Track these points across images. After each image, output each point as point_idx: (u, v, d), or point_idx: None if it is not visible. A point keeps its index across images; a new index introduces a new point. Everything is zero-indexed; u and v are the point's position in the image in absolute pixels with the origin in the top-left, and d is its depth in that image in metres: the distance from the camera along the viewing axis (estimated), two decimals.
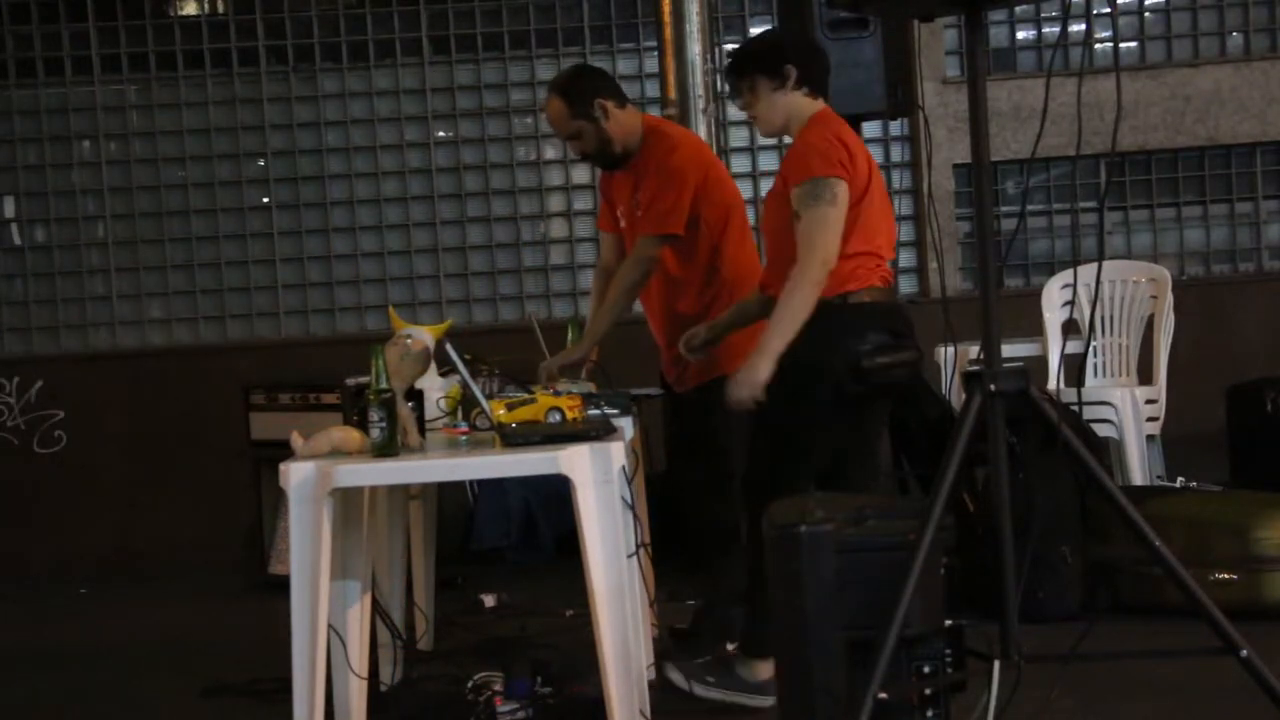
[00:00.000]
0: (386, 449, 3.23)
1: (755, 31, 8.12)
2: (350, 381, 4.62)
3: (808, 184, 3.79)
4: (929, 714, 3.07)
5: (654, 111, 6.69)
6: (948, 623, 3.11)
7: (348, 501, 3.51)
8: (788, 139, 4.06)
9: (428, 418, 3.56)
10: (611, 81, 4.79)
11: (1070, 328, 6.25)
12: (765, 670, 3.99)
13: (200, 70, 7.95)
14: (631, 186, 4.66)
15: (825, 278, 3.76)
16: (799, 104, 3.99)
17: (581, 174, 7.82)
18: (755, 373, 3.73)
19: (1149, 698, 3.86)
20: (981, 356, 3.24)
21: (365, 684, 3.69)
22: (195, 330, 8.00)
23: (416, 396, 3.51)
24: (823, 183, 3.77)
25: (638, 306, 4.80)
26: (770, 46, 4.11)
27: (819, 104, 4.03)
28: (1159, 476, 6.04)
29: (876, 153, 8.00)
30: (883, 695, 2.92)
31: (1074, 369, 4.80)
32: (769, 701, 3.93)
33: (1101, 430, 5.80)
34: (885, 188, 4.05)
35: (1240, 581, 4.64)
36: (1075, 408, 4.31)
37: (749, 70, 4.03)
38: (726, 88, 4.07)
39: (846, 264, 3.85)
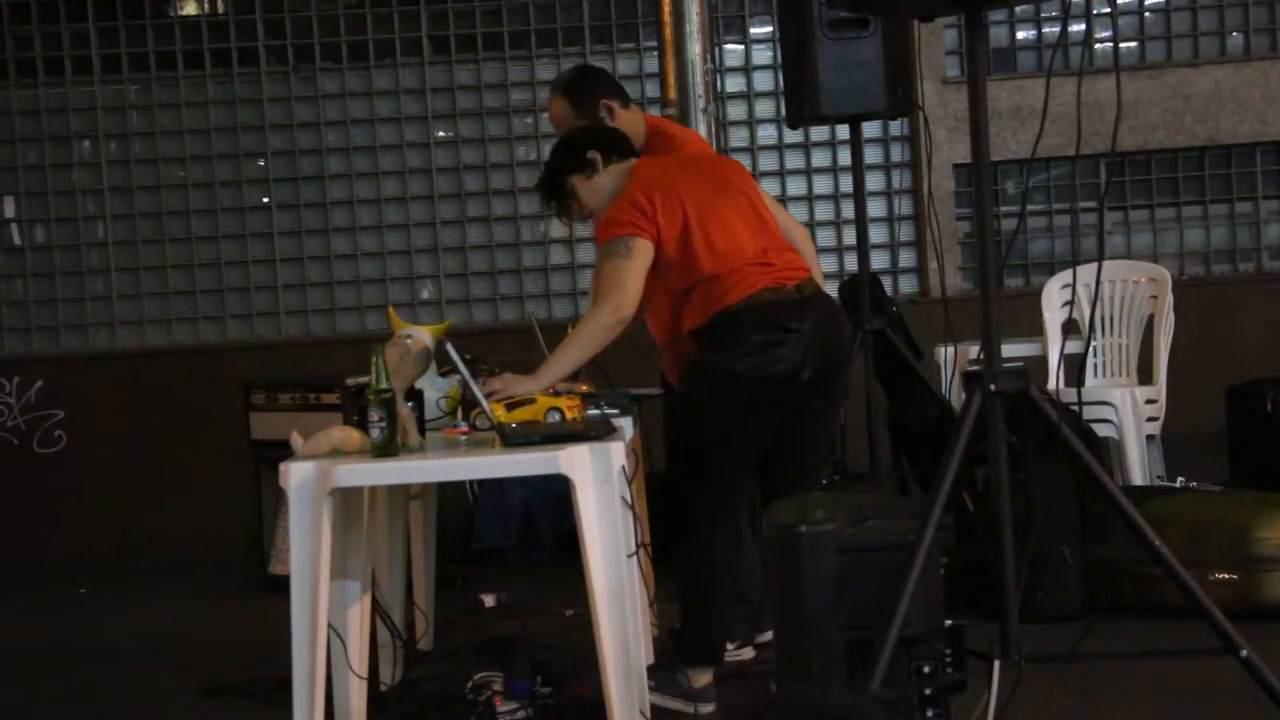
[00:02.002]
0: (386, 449, 3.22)
1: (755, 31, 8.14)
2: (350, 381, 4.62)
3: (606, 245, 3.99)
4: (929, 714, 3.07)
5: (654, 111, 6.69)
6: (948, 623, 3.11)
7: (348, 501, 3.51)
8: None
9: (428, 418, 3.56)
10: (614, 82, 4.79)
11: (1070, 328, 6.25)
12: (702, 678, 4.04)
13: (200, 70, 7.96)
14: None
15: (617, 324, 3.91)
16: (615, 176, 4.15)
17: None
18: (516, 386, 3.74)
19: (1149, 698, 3.85)
20: (981, 356, 3.24)
21: (365, 684, 3.69)
22: (195, 330, 8.00)
23: (416, 396, 3.50)
24: (617, 241, 3.95)
25: None
26: (566, 148, 4.27)
27: (630, 162, 4.20)
28: (1159, 476, 6.03)
29: (876, 153, 8.01)
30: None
31: (1074, 369, 4.79)
32: (707, 708, 3.99)
33: (1101, 430, 5.79)
34: (747, 193, 4.14)
35: (1240, 581, 4.63)
36: (1075, 408, 4.30)
37: (562, 178, 4.22)
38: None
39: (714, 286, 3.97)
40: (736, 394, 3.94)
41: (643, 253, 3.94)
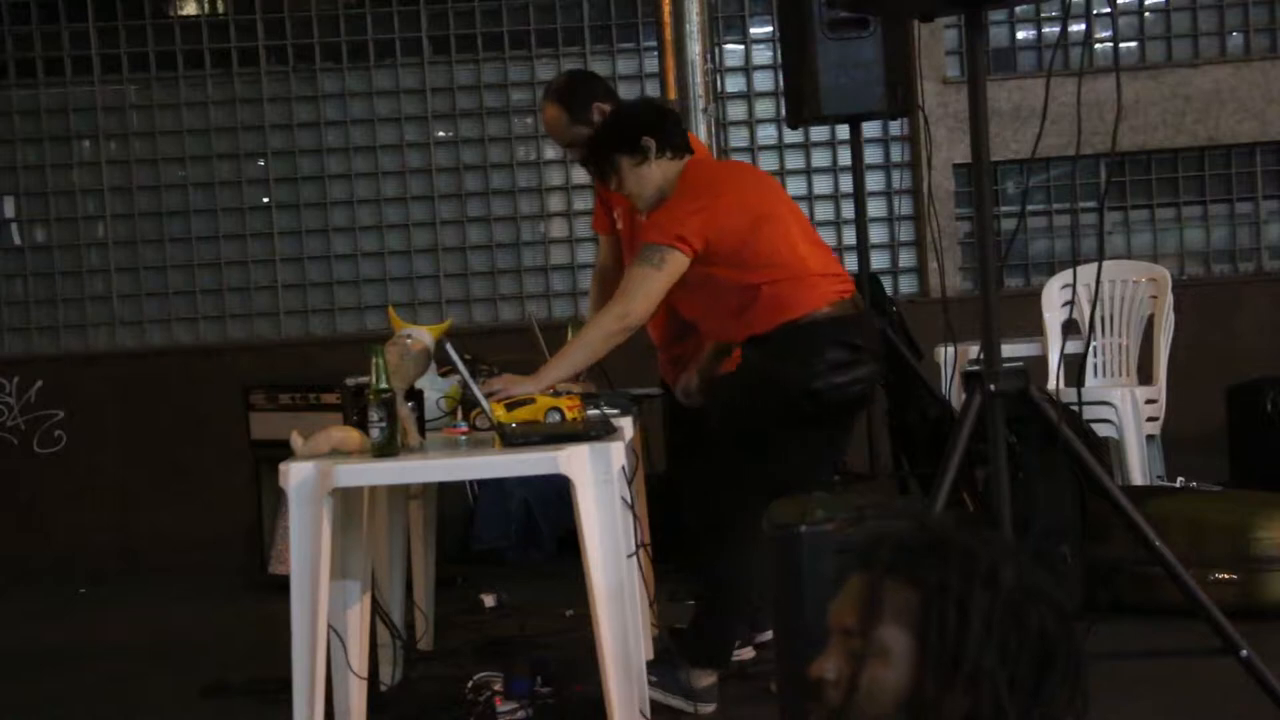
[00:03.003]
0: (386, 449, 3.22)
1: (755, 31, 8.14)
2: (350, 381, 4.61)
3: (645, 248, 3.92)
4: None
5: None
6: None
7: (348, 501, 3.51)
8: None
9: (428, 418, 3.56)
10: (607, 85, 4.79)
11: (1070, 328, 6.25)
12: (706, 679, 4.03)
13: (200, 70, 7.96)
14: None
15: (622, 332, 3.89)
16: (666, 170, 4.06)
17: (581, 174, 7.79)
18: (516, 387, 3.71)
19: (1149, 698, 3.85)
20: (981, 356, 3.24)
21: (365, 684, 3.69)
22: (195, 330, 8.00)
23: (416, 396, 3.50)
24: (655, 248, 3.89)
25: None
26: (624, 123, 4.15)
27: (683, 161, 4.09)
28: (1159, 476, 6.03)
29: (876, 153, 8.01)
30: None
31: (1074, 369, 4.79)
32: (707, 709, 3.99)
33: (1101, 430, 5.79)
34: (794, 209, 4.14)
35: (1240, 581, 4.63)
36: (1075, 408, 4.30)
37: (608, 151, 4.10)
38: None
39: (781, 290, 3.91)
40: (805, 410, 3.87)
41: (674, 267, 3.88)
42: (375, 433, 3.23)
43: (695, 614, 4.17)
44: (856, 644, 1.60)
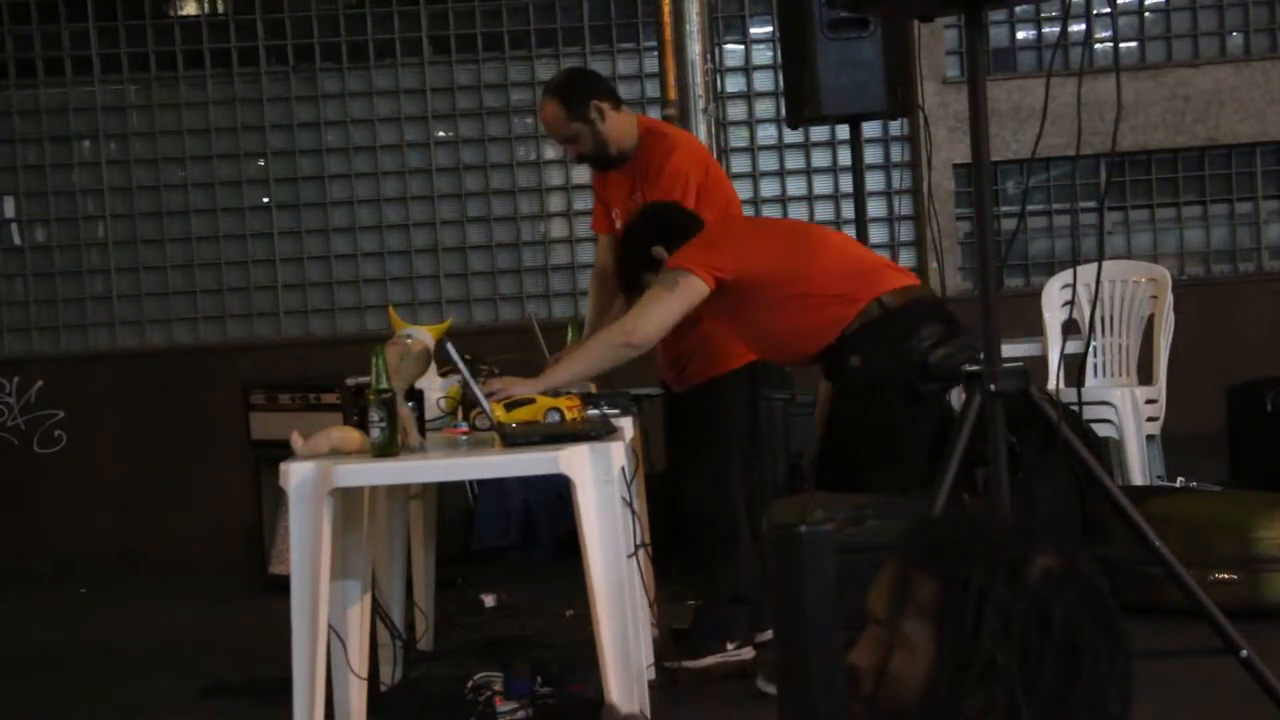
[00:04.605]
0: (386, 449, 3.22)
1: (755, 31, 8.13)
2: (350, 381, 4.62)
3: (666, 270, 3.96)
4: None
5: (654, 111, 6.69)
6: None
7: (348, 501, 3.51)
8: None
9: (428, 418, 3.55)
10: (606, 83, 4.79)
11: (1070, 328, 6.25)
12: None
13: (200, 70, 7.96)
14: (628, 188, 4.65)
15: (624, 348, 3.93)
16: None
17: (581, 174, 7.82)
18: (516, 387, 3.71)
19: (1149, 698, 3.82)
20: (981, 356, 3.24)
21: (365, 684, 3.69)
22: (195, 330, 8.00)
23: (416, 396, 3.50)
24: (673, 272, 3.93)
25: None
26: (634, 246, 4.21)
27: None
28: (1159, 476, 6.03)
29: (876, 153, 8.01)
30: None
31: (1074, 369, 4.79)
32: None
33: (1101, 430, 5.79)
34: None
35: (1240, 581, 4.64)
36: (1075, 408, 4.30)
37: (638, 278, 4.18)
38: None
39: (851, 284, 3.92)
40: (920, 390, 3.87)
41: (688, 291, 3.92)
42: (375, 433, 3.23)
43: None
44: (884, 633, 1.60)
